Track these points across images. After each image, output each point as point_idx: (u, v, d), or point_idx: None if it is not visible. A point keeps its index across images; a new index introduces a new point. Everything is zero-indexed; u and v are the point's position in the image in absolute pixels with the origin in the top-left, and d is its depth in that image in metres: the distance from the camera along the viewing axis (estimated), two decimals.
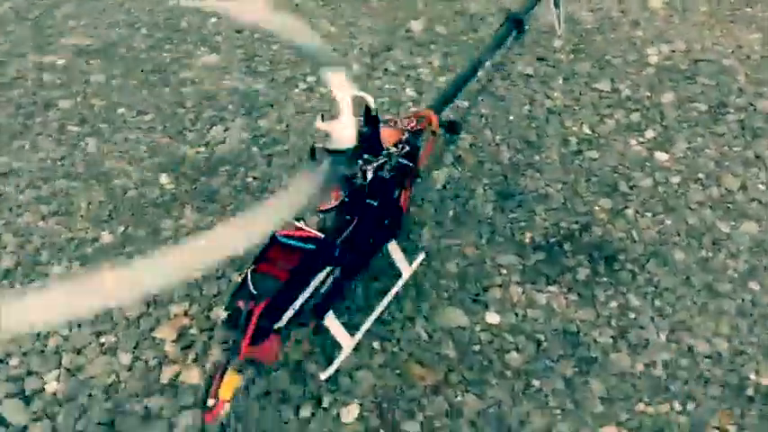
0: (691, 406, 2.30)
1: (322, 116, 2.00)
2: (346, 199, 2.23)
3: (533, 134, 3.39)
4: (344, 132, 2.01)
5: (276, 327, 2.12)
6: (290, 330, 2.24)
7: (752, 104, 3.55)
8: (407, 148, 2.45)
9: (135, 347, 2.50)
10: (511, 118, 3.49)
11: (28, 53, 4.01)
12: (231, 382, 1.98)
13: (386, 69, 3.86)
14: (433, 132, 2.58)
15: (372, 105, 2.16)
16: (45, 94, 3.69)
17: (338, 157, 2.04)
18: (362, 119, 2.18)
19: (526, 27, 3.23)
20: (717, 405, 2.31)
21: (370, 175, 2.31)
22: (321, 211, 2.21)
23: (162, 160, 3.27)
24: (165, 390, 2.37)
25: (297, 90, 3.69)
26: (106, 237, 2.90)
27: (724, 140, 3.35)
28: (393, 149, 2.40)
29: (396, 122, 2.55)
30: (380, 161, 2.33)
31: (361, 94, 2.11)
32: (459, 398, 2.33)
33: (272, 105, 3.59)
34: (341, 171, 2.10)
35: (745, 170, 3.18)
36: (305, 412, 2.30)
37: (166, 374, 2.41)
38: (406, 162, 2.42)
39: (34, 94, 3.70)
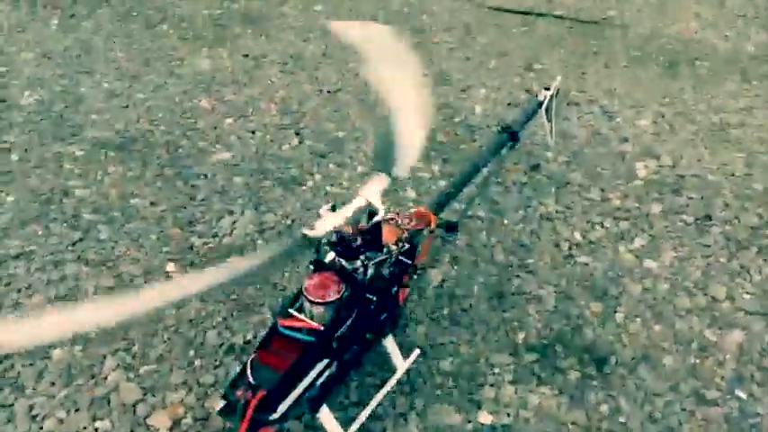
0: None
1: (333, 206, 2.17)
2: (347, 293, 2.33)
3: (527, 238, 3.54)
4: (325, 224, 2.16)
5: (271, 418, 2.17)
6: (285, 422, 2.28)
7: (737, 218, 3.73)
8: (407, 245, 2.59)
9: None
10: (505, 222, 3.65)
11: (49, 143, 4.23)
12: None
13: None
14: (431, 231, 2.73)
15: (380, 216, 2.32)
16: (62, 182, 3.88)
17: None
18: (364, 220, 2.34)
19: (520, 139, 3.46)
20: None
21: (371, 271, 2.43)
22: (321, 303, 2.30)
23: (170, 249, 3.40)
24: None
25: (303, 188, 3.88)
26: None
27: (710, 251, 3.49)
28: (393, 247, 2.54)
29: (396, 221, 2.70)
30: (381, 257, 2.46)
31: (373, 201, 2.29)
32: None
33: (278, 201, 3.77)
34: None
35: (731, 280, 3.30)
36: None
37: None
38: (404, 260, 2.55)
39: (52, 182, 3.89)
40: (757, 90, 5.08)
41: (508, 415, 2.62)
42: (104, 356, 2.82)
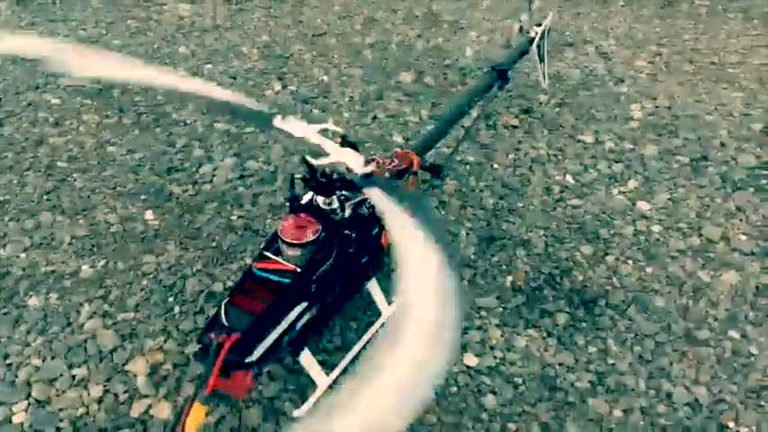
0: None
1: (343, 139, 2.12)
2: (323, 234, 2.24)
3: (516, 182, 3.43)
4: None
5: (247, 361, 2.10)
6: (264, 365, 2.21)
7: (733, 158, 3.62)
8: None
9: (107, 380, 2.46)
10: (495, 166, 3.54)
11: (24, 91, 4.09)
12: (196, 417, 1.93)
13: (375, 117, 3.94)
14: (413, 172, 2.62)
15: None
16: (37, 131, 3.75)
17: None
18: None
19: (510, 78, 3.32)
20: None
21: (348, 211, 2.34)
22: (296, 245, 2.20)
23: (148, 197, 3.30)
24: (135, 424, 2.32)
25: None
26: (86, 270, 2.89)
27: (705, 192, 3.39)
28: (375, 171, 2.44)
29: (378, 162, 2.60)
30: (359, 198, 2.37)
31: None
32: None
33: (261, 148, 3.64)
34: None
35: (726, 221, 3.21)
36: None
37: (137, 409, 2.36)
38: None
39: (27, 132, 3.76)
40: (759, 29, 4.90)
41: (494, 357, 2.56)
42: (81, 304, 2.74)
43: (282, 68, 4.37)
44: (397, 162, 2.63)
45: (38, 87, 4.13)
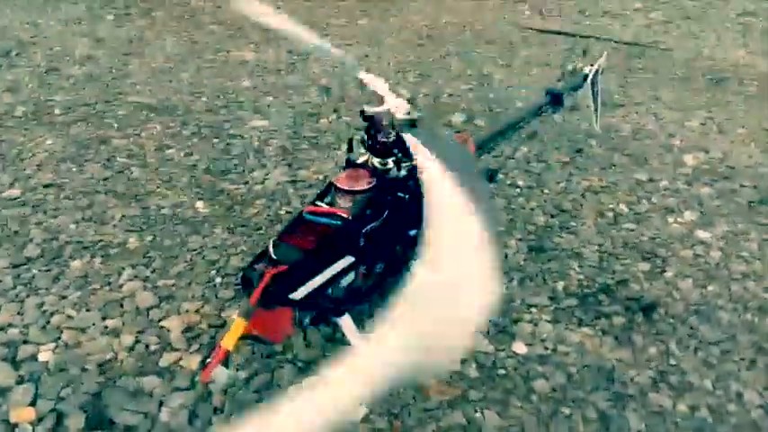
0: None
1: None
2: (376, 186, 2.21)
3: (569, 204, 3.37)
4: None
5: (291, 297, 2.01)
6: (305, 315, 2.12)
7: None
8: None
9: (139, 332, 2.37)
10: (546, 191, 3.50)
11: (95, 103, 4.29)
12: (236, 330, 1.84)
13: None
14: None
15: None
16: (101, 133, 3.88)
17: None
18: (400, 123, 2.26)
19: (563, 103, 3.36)
20: None
21: (403, 173, 2.31)
22: (349, 192, 2.18)
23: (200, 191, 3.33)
24: (163, 372, 2.20)
25: (338, 152, 3.80)
26: (132, 242, 2.88)
27: (766, 229, 3.26)
28: None
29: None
30: (414, 164, 2.35)
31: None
32: (477, 414, 2.10)
33: (312, 161, 3.69)
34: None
35: None
36: None
37: (167, 359, 2.26)
38: None
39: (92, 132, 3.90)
40: None
41: (546, 348, 2.40)
42: (123, 269, 2.71)
43: (338, 103, 4.51)
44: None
45: (107, 101, 4.33)
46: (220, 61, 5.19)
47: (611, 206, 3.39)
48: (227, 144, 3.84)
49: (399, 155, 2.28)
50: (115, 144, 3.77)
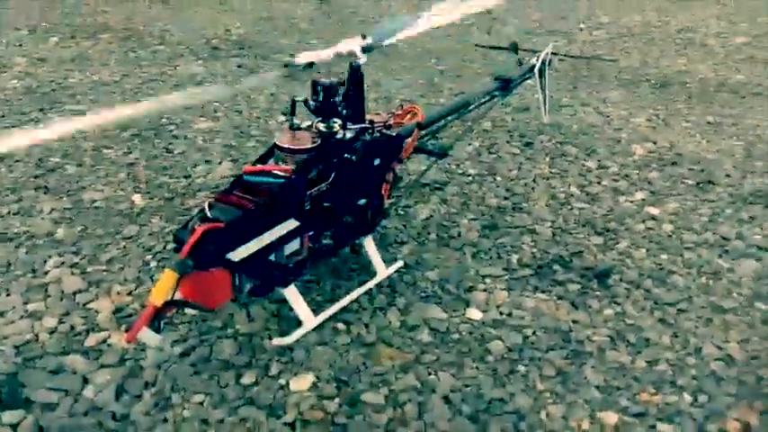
0: (703, 398, 1.95)
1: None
2: (320, 145, 2.12)
3: (521, 188, 3.34)
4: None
5: (228, 257, 1.88)
6: (245, 282, 1.98)
7: (740, 183, 3.54)
8: (392, 128, 2.41)
9: (64, 314, 2.20)
10: (498, 179, 3.46)
11: (29, 112, 4.12)
12: (165, 282, 1.69)
13: None
14: (419, 125, 2.53)
15: (362, 61, 2.19)
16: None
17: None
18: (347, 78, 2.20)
19: (512, 90, 3.35)
20: (733, 401, 1.95)
21: (350, 134, 2.23)
22: (292, 151, 2.08)
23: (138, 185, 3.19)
24: (88, 351, 2.03)
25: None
26: (61, 232, 2.72)
27: (715, 204, 3.27)
28: (376, 118, 2.38)
29: (384, 114, 2.55)
30: (362, 126, 2.27)
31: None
32: (431, 376, 1.98)
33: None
34: None
35: (740, 225, 3.06)
36: (248, 379, 1.95)
37: (93, 339, 2.09)
38: (389, 133, 2.35)
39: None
40: (750, 102, 5.05)
41: (501, 313, 2.31)
42: (49, 257, 2.53)
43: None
44: (402, 113, 2.58)
45: (41, 109, 4.17)
46: (167, 74, 5.09)
47: (562, 189, 3.37)
48: (170, 143, 3.71)
49: (346, 114, 2.20)
50: (47, 145, 3.60)
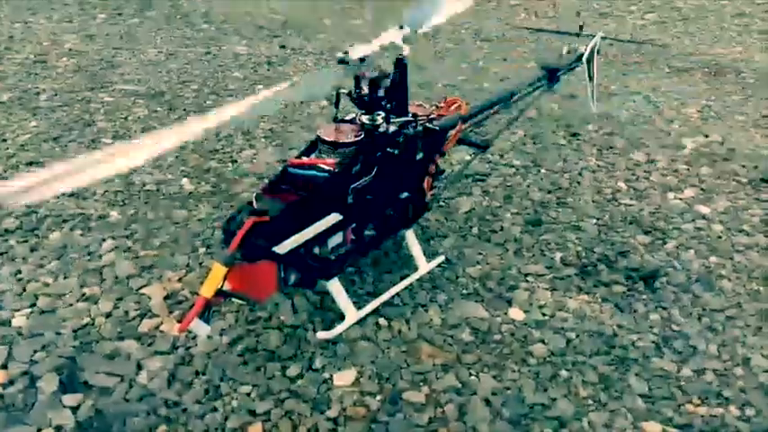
0: (750, 412, 1.92)
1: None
2: (364, 139, 2.12)
3: (566, 182, 3.29)
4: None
5: (274, 250, 1.91)
6: (290, 275, 2.01)
7: None
8: (434, 121, 2.39)
9: (118, 299, 2.26)
10: (543, 171, 3.42)
11: (81, 91, 4.21)
12: (215, 277, 1.73)
13: None
14: (462, 118, 2.51)
15: (406, 52, 2.18)
16: (87, 118, 3.80)
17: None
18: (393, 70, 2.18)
19: (559, 80, 3.28)
20: None
21: (393, 127, 2.22)
22: (335, 145, 2.09)
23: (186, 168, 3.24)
24: (142, 337, 2.09)
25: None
26: (114, 215, 2.79)
27: None
28: (419, 111, 2.37)
29: (427, 107, 2.53)
30: (405, 119, 2.26)
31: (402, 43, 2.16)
32: (472, 377, 2.00)
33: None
34: None
35: None
36: (293, 371, 1.99)
37: (146, 325, 2.15)
38: (431, 127, 2.33)
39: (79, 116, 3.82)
40: None
41: (543, 315, 2.30)
42: (103, 239, 2.61)
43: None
44: (446, 107, 2.56)
45: (92, 89, 4.25)
46: (211, 54, 5.13)
47: (609, 184, 3.31)
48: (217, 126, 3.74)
49: (390, 107, 2.19)
50: (100, 127, 3.69)
